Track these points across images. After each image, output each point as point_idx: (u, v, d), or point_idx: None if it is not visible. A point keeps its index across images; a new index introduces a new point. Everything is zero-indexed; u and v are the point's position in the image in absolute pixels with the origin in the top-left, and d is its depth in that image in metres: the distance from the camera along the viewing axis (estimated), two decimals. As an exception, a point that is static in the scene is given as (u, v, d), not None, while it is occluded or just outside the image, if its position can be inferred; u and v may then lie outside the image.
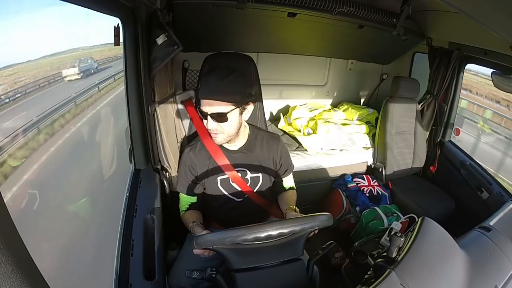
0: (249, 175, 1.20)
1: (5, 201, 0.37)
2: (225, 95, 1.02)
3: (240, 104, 1.06)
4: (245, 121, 1.16)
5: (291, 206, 1.16)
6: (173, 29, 1.29)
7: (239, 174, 1.19)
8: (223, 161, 1.17)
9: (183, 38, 1.16)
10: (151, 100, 1.23)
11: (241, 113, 1.08)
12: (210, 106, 1.03)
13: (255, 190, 1.23)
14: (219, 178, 1.19)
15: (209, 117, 1.04)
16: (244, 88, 1.06)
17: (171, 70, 1.36)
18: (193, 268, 0.88)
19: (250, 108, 1.11)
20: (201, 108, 1.06)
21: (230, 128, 1.08)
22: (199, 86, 1.12)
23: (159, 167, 1.35)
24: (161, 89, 1.26)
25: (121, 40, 1.10)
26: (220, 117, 1.04)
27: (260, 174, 1.22)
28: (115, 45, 1.07)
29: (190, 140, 1.44)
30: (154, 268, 0.95)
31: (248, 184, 1.21)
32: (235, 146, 1.18)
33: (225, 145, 1.18)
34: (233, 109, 1.04)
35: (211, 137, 1.14)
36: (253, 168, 1.20)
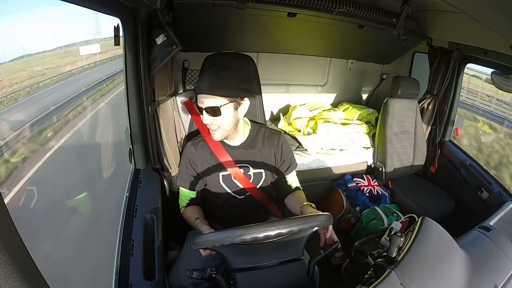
0: (251, 171, 1.21)
1: (5, 201, 0.37)
2: (218, 89, 1.04)
3: (234, 98, 1.07)
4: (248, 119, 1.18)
5: (306, 203, 1.11)
6: (173, 29, 1.29)
7: (242, 170, 1.19)
8: (224, 157, 1.18)
9: (183, 38, 1.17)
10: (151, 100, 1.23)
11: (236, 108, 1.09)
12: (205, 101, 1.06)
13: (258, 187, 1.23)
14: (221, 174, 1.19)
15: (204, 111, 1.07)
16: (238, 82, 1.08)
17: (171, 70, 1.36)
18: (193, 268, 0.87)
19: (245, 103, 1.12)
20: (198, 104, 1.08)
21: (225, 123, 1.09)
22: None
23: (159, 167, 1.34)
24: (161, 89, 1.26)
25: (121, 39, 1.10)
26: (214, 111, 1.06)
27: (262, 171, 1.22)
28: (115, 45, 1.07)
29: (190, 139, 1.45)
30: (154, 268, 0.94)
31: (251, 181, 1.21)
32: (235, 142, 1.19)
33: (226, 141, 1.19)
34: (227, 103, 1.06)
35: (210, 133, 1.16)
36: (255, 164, 1.21)
